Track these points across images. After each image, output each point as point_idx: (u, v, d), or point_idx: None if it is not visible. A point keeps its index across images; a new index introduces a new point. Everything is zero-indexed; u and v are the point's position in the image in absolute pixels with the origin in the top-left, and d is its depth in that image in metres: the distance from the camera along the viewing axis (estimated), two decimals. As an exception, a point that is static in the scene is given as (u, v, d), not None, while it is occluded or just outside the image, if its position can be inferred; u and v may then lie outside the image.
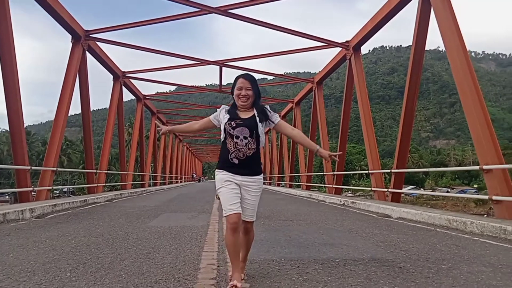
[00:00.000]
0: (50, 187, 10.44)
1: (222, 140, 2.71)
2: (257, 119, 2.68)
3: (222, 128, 2.71)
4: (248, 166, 2.66)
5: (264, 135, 2.75)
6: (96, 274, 2.91)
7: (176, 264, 3.27)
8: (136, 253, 3.70)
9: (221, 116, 2.74)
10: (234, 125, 2.64)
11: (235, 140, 2.62)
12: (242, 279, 2.66)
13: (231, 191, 2.61)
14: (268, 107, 2.81)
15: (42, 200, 9.65)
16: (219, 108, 2.86)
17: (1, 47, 8.61)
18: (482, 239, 4.82)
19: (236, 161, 2.64)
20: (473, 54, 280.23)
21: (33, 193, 9.63)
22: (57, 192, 42.05)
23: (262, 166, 24.09)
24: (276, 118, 2.79)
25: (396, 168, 9.75)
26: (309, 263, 3.37)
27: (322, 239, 4.66)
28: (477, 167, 6.71)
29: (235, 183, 2.65)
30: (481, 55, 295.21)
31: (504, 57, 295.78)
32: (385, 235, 5.00)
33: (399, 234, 5.15)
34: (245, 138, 2.62)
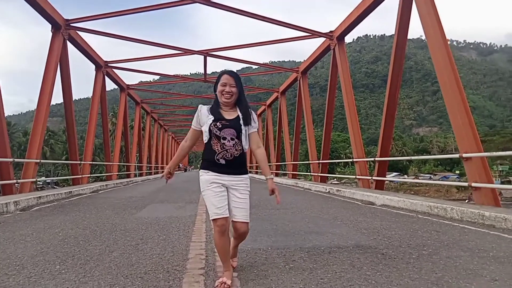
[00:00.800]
0: (34, 179, 10.29)
1: (206, 141, 2.60)
2: (241, 122, 2.60)
3: (205, 129, 2.59)
4: (235, 166, 2.59)
5: (247, 139, 2.66)
6: (85, 266, 2.94)
7: (164, 255, 3.32)
8: (125, 244, 3.74)
9: (203, 117, 2.63)
10: (220, 126, 2.55)
11: (222, 141, 2.54)
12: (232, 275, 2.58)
13: (217, 194, 2.53)
14: (253, 112, 2.73)
15: (26, 192, 9.53)
16: (198, 108, 2.73)
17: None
18: (461, 224, 5.01)
19: (223, 161, 2.55)
20: (454, 43, 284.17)
21: (16, 185, 9.50)
22: (41, 183, 41.41)
23: (249, 155, 24.20)
24: (255, 127, 2.71)
25: (380, 157, 9.94)
26: (295, 251, 3.46)
27: (307, 227, 4.76)
28: (457, 155, 6.92)
29: (222, 184, 2.56)
30: (463, 44, 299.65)
31: (484, 46, 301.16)
32: (369, 222, 5.14)
33: (382, 221, 5.30)
34: (232, 139, 2.55)
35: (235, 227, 2.62)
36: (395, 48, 9.40)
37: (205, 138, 2.60)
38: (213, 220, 2.51)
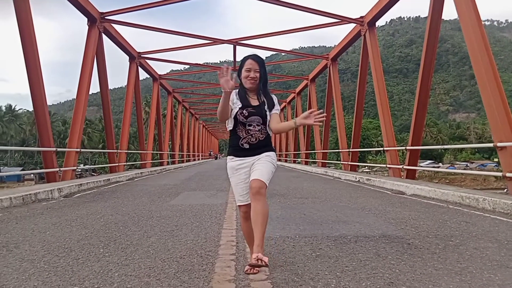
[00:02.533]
0: (75, 167, 10.89)
1: (231, 129, 2.64)
2: (266, 107, 2.62)
3: (232, 115, 2.59)
4: (258, 147, 2.61)
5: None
6: (126, 250, 3.19)
7: (198, 241, 3.53)
8: (161, 230, 3.98)
9: (234, 99, 2.60)
10: (247, 114, 2.56)
11: (247, 127, 2.58)
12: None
13: (240, 182, 2.62)
14: (274, 96, 2.74)
15: (68, 179, 10.12)
16: None
17: (21, 33, 8.85)
18: (493, 215, 4.95)
19: (247, 146, 2.59)
20: (495, 23, 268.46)
21: (58, 172, 10.09)
22: (79, 171, 43.39)
23: (279, 144, 24.40)
24: (277, 110, 2.69)
25: (411, 145, 9.79)
26: (322, 239, 3.58)
27: (335, 216, 4.86)
28: (491, 144, 6.75)
29: (245, 167, 2.60)
30: (504, 23, 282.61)
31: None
32: (397, 212, 5.17)
33: (411, 211, 5.31)
34: (258, 125, 2.59)
35: (249, 186, 2.56)
36: (428, 31, 9.14)
37: (230, 125, 2.63)
38: (238, 206, 2.74)
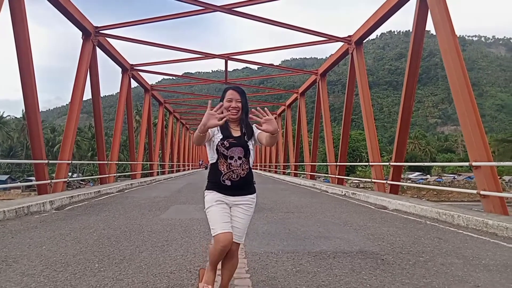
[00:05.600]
0: (66, 179, 11.02)
1: (213, 162, 2.55)
2: (246, 138, 2.55)
3: (213, 147, 2.52)
4: (241, 187, 2.52)
5: (254, 153, 2.63)
6: (120, 265, 3.42)
7: (187, 256, 3.77)
8: (152, 245, 4.21)
9: (214, 131, 2.53)
10: (228, 145, 2.47)
11: (228, 161, 2.48)
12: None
13: (222, 210, 2.48)
14: (255, 128, 2.53)
15: (59, 191, 10.25)
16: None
17: (17, 42, 9.02)
18: (465, 232, 5.27)
19: (228, 182, 2.49)
20: (482, 39, 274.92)
21: (50, 184, 10.22)
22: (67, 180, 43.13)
23: (269, 155, 24.51)
24: (256, 131, 2.55)
25: (395, 161, 10.16)
26: (303, 255, 3.85)
27: (318, 232, 5.14)
28: (467, 163, 7.13)
29: (226, 203, 2.51)
30: (491, 39, 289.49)
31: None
32: (377, 228, 5.46)
33: (390, 227, 5.61)
34: (239, 158, 2.49)
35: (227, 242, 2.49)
36: (411, 56, 9.59)
37: (212, 159, 2.55)
38: (215, 236, 2.42)
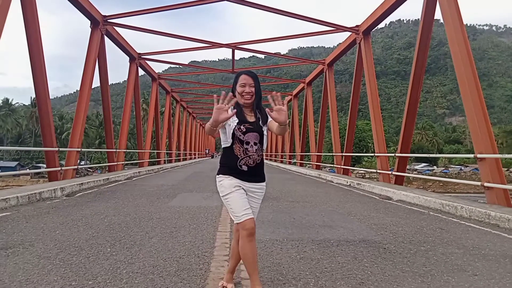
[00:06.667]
0: (76, 166, 11.23)
1: (227, 146, 2.53)
2: (261, 123, 2.54)
3: (229, 132, 2.48)
4: (256, 173, 2.53)
5: (267, 139, 2.65)
6: (131, 249, 3.56)
7: (195, 242, 3.91)
8: (161, 232, 4.36)
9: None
10: (244, 129, 2.46)
11: (245, 146, 2.46)
12: None
13: (242, 195, 2.47)
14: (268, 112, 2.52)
15: (69, 178, 10.46)
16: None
17: (28, 31, 9.15)
18: (468, 223, 5.35)
19: (245, 168, 2.48)
20: (494, 28, 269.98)
21: (60, 171, 10.43)
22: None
23: (275, 145, 24.81)
24: (269, 118, 2.54)
25: (400, 152, 10.21)
26: (308, 243, 3.97)
27: (322, 221, 5.25)
28: (472, 155, 7.17)
29: (243, 189, 2.51)
30: (502, 28, 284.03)
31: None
32: (380, 218, 5.56)
33: (393, 217, 5.71)
34: (255, 144, 2.48)
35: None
36: (418, 45, 9.56)
37: (227, 143, 2.53)
38: (241, 223, 2.40)
